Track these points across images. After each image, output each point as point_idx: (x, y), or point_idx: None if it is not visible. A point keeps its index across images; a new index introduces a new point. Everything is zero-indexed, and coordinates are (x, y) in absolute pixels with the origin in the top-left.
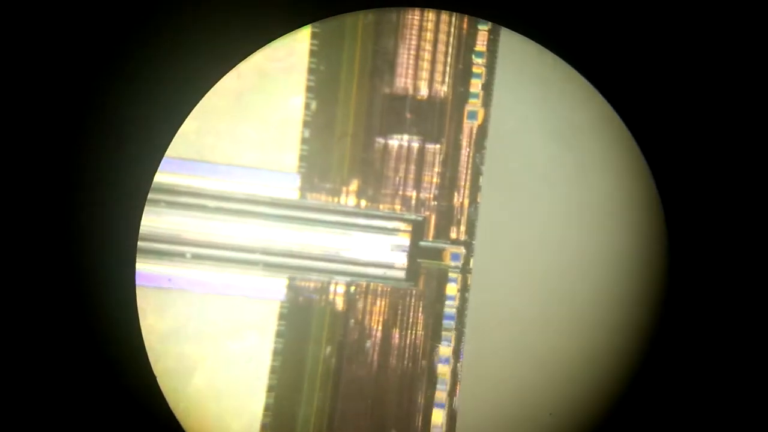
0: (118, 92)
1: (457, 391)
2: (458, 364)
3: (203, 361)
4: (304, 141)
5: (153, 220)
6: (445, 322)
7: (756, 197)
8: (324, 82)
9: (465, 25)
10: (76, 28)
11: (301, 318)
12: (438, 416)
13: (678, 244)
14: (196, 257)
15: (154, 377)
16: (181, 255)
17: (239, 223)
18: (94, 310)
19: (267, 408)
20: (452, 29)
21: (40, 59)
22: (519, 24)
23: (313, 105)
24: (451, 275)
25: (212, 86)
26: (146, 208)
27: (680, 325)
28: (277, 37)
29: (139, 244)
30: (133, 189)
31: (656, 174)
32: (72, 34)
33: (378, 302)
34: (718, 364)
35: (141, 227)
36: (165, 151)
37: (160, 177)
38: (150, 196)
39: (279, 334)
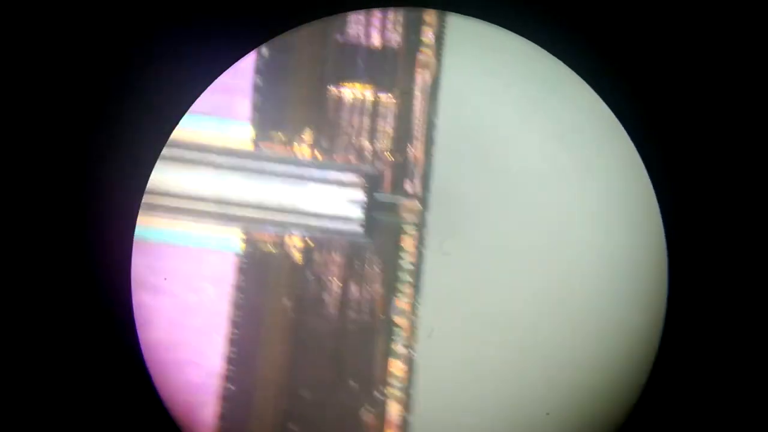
0: None
1: (415, 344)
2: (414, 318)
3: (161, 313)
4: (257, 89)
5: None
6: (401, 275)
7: (753, 197)
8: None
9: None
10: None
11: (258, 271)
12: (396, 367)
13: (675, 244)
14: (147, 206)
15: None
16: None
17: (193, 172)
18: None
19: (228, 360)
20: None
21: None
22: (518, 24)
23: (265, 51)
24: (407, 229)
25: None
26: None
27: (680, 325)
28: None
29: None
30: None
31: (654, 175)
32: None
33: (335, 256)
34: (718, 364)
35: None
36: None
37: None
38: None
39: (238, 288)
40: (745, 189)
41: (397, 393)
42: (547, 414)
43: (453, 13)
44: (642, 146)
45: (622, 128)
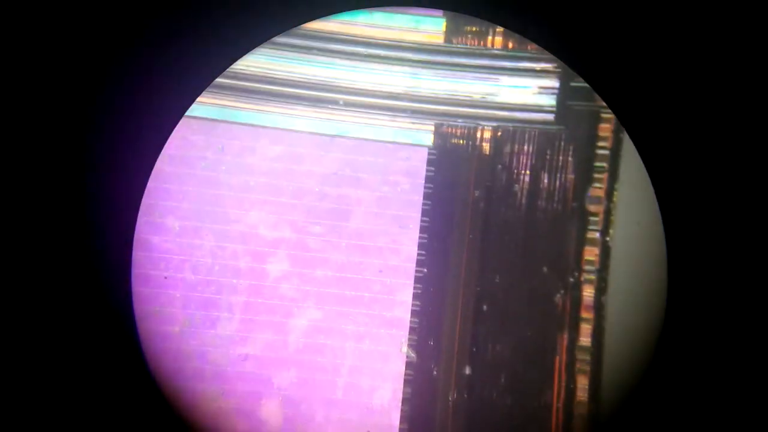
0: None
1: (610, 230)
2: (610, 204)
3: (358, 205)
4: None
5: (306, 68)
6: (597, 164)
7: (753, 197)
8: None
9: None
10: None
11: (448, 164)
12: (591, 253)
13: (676, 244)
14: (348, 104)
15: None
16: (334, 102)
17: (387, 70)
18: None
19: (420, 246)
20: None
21: None
22: (519, 27)
23: None
24: (604, 116)
25: None
26: (300, 56)
27: (679, 325)
28: None
29: (294, 90)
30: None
31: (653, 176)
32: None
33: (526, 147)
34: (717, 365)
35: (295, 74)
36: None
37: (313, 24)
38: (303, 42)
39: (428, 180)
40: (745, 189)
41: (591, 277)
42: None
43: None
44: (642, 146)
45: (623, 128)
